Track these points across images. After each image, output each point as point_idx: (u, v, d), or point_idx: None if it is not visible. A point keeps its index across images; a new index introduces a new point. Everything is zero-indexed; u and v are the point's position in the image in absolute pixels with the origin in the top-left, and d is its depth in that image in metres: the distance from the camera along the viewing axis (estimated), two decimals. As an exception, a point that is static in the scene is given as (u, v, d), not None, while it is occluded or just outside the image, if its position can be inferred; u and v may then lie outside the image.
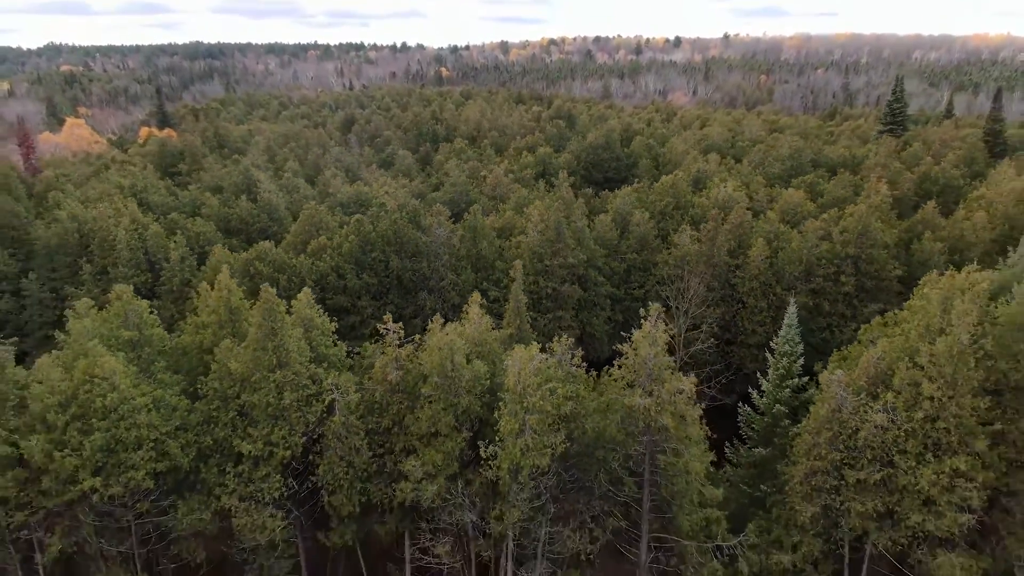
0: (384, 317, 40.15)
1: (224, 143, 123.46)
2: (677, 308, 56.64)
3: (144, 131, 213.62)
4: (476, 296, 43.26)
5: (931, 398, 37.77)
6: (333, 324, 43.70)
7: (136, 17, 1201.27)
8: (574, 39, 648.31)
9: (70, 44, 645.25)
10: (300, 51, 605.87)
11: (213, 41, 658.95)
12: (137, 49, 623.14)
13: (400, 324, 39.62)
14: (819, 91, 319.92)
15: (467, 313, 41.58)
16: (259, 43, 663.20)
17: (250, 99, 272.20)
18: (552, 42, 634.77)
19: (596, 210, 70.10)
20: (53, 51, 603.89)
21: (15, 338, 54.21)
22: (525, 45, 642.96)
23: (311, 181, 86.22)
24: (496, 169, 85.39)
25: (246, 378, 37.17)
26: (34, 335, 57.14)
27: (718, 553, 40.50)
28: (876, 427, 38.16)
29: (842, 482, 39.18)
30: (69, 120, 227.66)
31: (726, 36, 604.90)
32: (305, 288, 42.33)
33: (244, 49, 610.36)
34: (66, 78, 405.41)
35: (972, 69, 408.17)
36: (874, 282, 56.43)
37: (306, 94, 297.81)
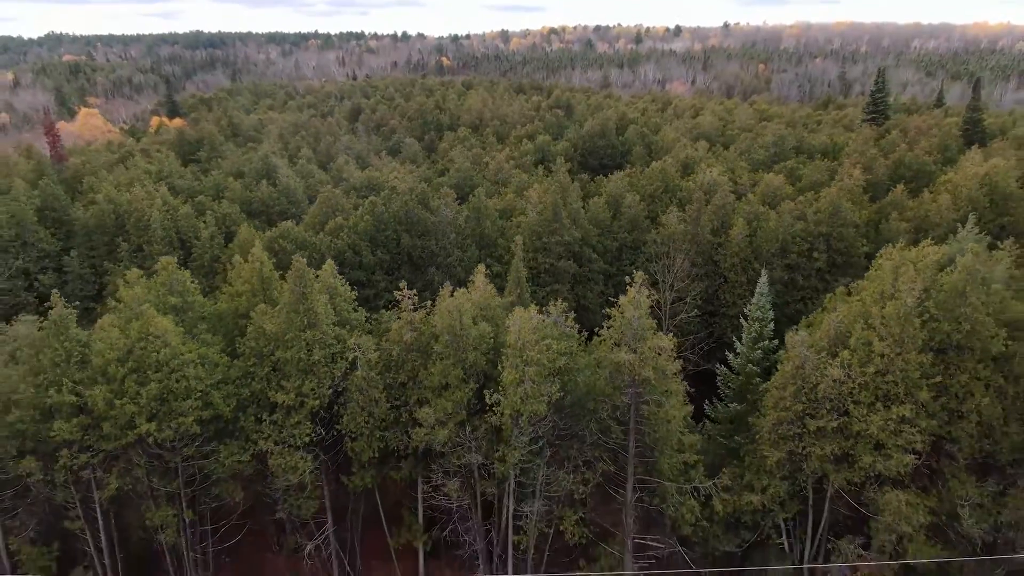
0: (400, 285, 45.07)
1: (237, 132, 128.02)
2: (664, 282, 61.19)
3: (155, 120, 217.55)
4: (481, 267, 48.09)
5: (881, 355, 42.61)
6: (354, 293, 48.61)
7: (136, 6, 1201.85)
8: (575, 28, 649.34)
9: (70, 34, 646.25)
10: (300, 40, 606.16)
11: (213, 30, 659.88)
12: (138, 39, 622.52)
13: (414, 291, 44.54)
14: (816, 80, 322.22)
15: (473, 282, 46.41)
16: (259, 32, 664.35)
17: (256, 89, 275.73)
18: (553, 31, 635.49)
19: (591, 193, 74.47)
20: (54, 40, 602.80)
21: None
22: (526, 34, 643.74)
23: (324, 167, 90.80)
24: (498, 156, 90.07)
25: (279, 337, 41.97)
26: (75, 307, 61.87)
27: (695, 494, 45.26)
28: (833, 381, 42.96)
29: (804, 430, 43.98)
30: (84, 110, 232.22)
31: (726, 25, 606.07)
32: (328, 260, 47.16)
33: (245, 38, 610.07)
34: (71, 68, 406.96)
35: (970, 58, 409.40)
36: (844, 258, 61.03)
37: (311, 84, 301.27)
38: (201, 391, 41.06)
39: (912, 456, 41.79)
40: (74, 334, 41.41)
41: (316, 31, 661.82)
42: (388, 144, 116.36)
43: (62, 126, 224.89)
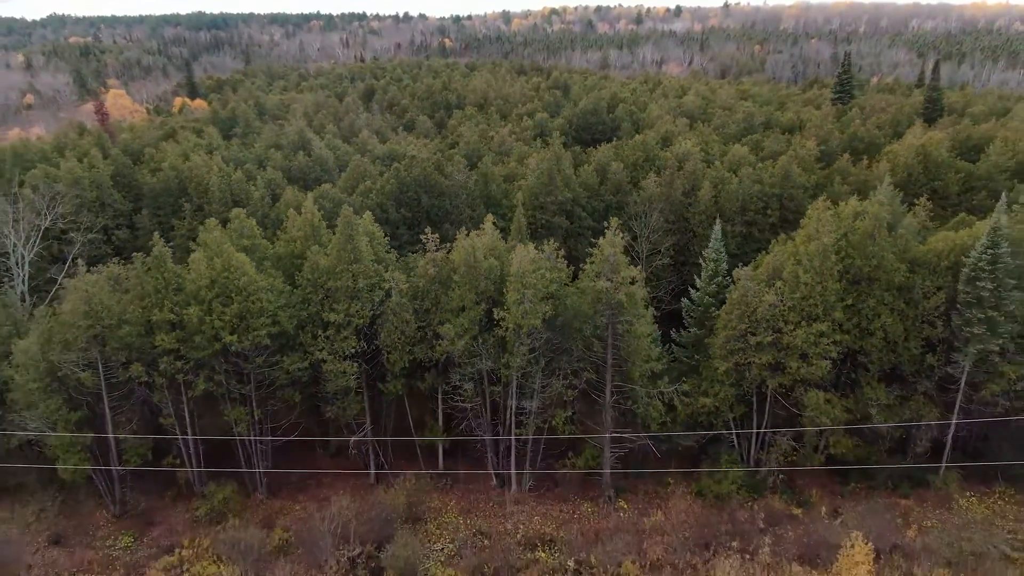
0: (425, 231, 55.32)
1: (263, 111, 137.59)
2: (642, 236, 70.75)
3: (178, 101, 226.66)
4: (489, 217, 58.20)
5: (805, 284, 52.46)
6: (386, 239, 58.84)
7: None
8: (575, 8, 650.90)
9: (73, 15, 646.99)
10: (303, 21, 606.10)
11: (216, 11, 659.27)
12: (141, 20, 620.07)
13: (437, 235, 54.83)
14: (809, 61, 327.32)
15: (483, 229, 56.52)
16: (261, 13, 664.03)
17: (270, 71, 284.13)
18: (554, 12, 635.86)
19: (582, 162, 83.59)
20: (57, 22, 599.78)
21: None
22: (527, 15, 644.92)
23: (347, 141, 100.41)
24: (501, 131, 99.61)
25: (331, 270, 52.02)
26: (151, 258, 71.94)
27: (660, 397, 55.24)
28: (769, 305, 52.77)
29: (747, 345, 53.71)
30: (112, 91, 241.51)
31: (727, 5, 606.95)
32: (367, 212, 57.32)
33: (247, 19, 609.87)
34: (81, 50, 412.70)
35: (966, 38, 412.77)
36: (793, 215, 70.40)
37: (322, 66, 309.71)
38: (271, 312, 51.25)
39: (828, 362, 52.00)
40: (170, 267, 51.70)
41: (318, 12, 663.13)
42: (402, 121, 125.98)
43: (89, 107, 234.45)
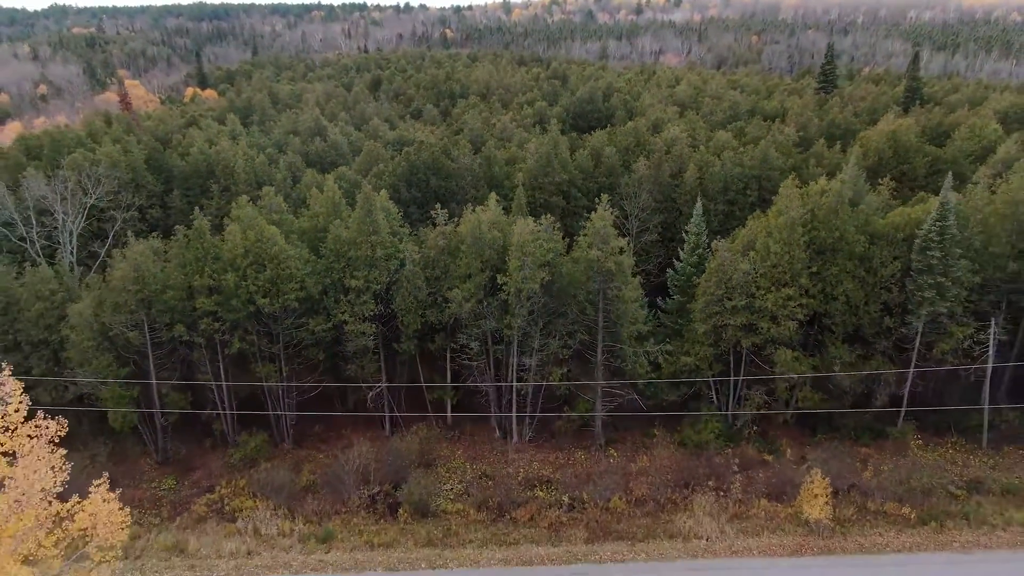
0: (435, 207, 60.91)
1: (276, 100, 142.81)
2: (632, 214, 76.23)
3: (189, 91, 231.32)
4: (493, 195, 63.74)
5: (775, 253, 58.00)
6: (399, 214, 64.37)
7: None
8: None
9: (75, 6, 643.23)
10: (304, 11, 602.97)
11: (217, 1, 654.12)
12: (143, 10, 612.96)
13: (446, 211, 60.40)
14: (805, 52, 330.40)
15: (487, 205, 62.04)
16: (263, 3, 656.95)
17: (277, 62, 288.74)
18: (554, 1, 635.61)
19: (578, 147, 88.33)
20: (59, 12, 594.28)
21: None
22: (527, 4, 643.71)
23: (359, 128, 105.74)
24: (503, 118, 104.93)
25: (352, 241, 57.53)
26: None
27: (646, 356, 61.01)
28: (743, 273, 58.42)
29: (723, 308, 59.05)
30: (128, 82, 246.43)
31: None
32: (383, 190, 62.87)
33: (249, 10, 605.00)
34: (87, 41, 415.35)
35: (963, 28, 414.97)
36: (771, 195, 75.45)
37: (328, 57, 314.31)
38: (299, 278, 56.81)
39: (795, 323, 57.57)
40: (208, 238, 57.32)
41: (319, 2, 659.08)
42: (409, 110, 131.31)
43: (109, 96, 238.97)
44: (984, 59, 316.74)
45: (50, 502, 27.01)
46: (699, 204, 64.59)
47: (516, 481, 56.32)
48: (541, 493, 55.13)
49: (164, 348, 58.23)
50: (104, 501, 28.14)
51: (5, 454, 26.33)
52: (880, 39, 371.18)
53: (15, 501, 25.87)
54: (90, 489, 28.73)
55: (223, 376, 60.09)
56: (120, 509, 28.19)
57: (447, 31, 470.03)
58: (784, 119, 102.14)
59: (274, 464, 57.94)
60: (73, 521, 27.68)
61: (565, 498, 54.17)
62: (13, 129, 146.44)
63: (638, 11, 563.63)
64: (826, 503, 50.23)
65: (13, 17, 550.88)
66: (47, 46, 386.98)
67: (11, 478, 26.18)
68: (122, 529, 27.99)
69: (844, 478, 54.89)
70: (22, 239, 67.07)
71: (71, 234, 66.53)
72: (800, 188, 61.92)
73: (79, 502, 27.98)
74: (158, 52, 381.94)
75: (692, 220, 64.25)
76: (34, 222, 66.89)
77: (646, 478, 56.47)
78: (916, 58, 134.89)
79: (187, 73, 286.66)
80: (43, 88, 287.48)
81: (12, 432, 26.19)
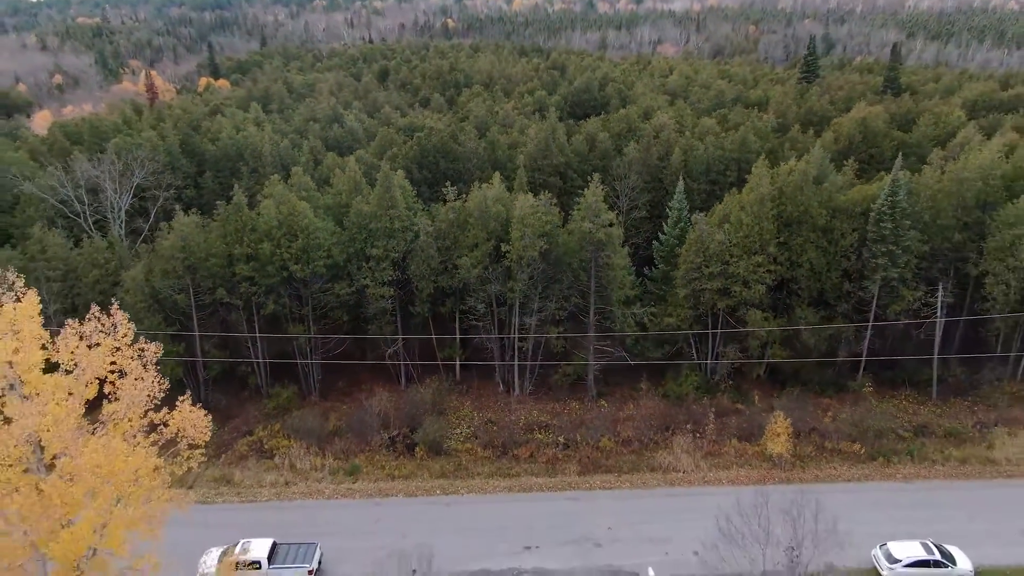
0: (445, 185, 67.59)
1: (291, 89, 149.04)
2: (623, 194, 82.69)
3: (203, 81, 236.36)
4: (497, 175, 70.38)
5: (746, 225, 64.59)
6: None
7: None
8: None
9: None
10: (306, 1, 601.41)
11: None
12: (146, 0, 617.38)
13: (455, 189, 67.09)
14: (801, 41, 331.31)
15: (492, 183, 68.69)
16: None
17: (285, 52, 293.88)
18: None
19: (574, 132, 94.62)
20: (62, 2, 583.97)
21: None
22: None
23: (371, 116, 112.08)
24: (506, 106, 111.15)
25: (372, 214, 64.19)
26: (211, 214, 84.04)
27: (633, 317, 67.77)
28: (718, 243, 65.09)
29: (701, 274, 65.57)
30: (144, 72, 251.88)
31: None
32: (399, 170, 69.56)
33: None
34: (93, 31, 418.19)
35: (959, 17, 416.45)
36: (748, 175, 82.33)
37: (335, 47, 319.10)
38: (326, 247, 63.55)
39: (763, 287, 64.22)
40: (245, 211, 64.04)
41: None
42: (417, 99, 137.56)
43: (126, 85, 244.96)
44: (976, 48, 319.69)
45: (147, 411, 33.79)
46: (680, 183, 71.14)
47: (518, 426, 63.03)
48: (539, 435, 61.85)
49: (206, 310, 64.97)
50: (190, 410, 34.81)
51: (118, 371, 33.07)
52: (875, 28, 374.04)
53: (125, 407, 32.71)
54: (177, 402, 35.41)
55: (258, 334, 66.91)
56: (205, 415, 34.84)
57: (449, 21, 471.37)
58: (766, 107, 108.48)
59: (304, 412, 64.82)
60: (167, 426, 34.40)
61: (560, 439, 60.91)
62: (43, 118, 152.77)
63: (638, 0, 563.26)
64: (787, 440, 57.03)
65: (16, 7, 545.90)
66: (54, 36, 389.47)
67: (120, 389, 32.96)
68: (205, 431, 34.61)
69: (806, 422, 61.60)
70: (76, 215, 73.83)
71: (120, 210, 73.23)
72: (771, 169, 68.55)
73: (169, 412, 34.71)
74: (164, 42, 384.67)
75: (674, 197, 70.77)
76: (85, 200, 73.62)
77: (632, 423, 63.17)
78: (895, 49, 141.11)
79: (199, 63, 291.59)
80: (58, 78, 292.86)
81: (121, 352, 32.92)
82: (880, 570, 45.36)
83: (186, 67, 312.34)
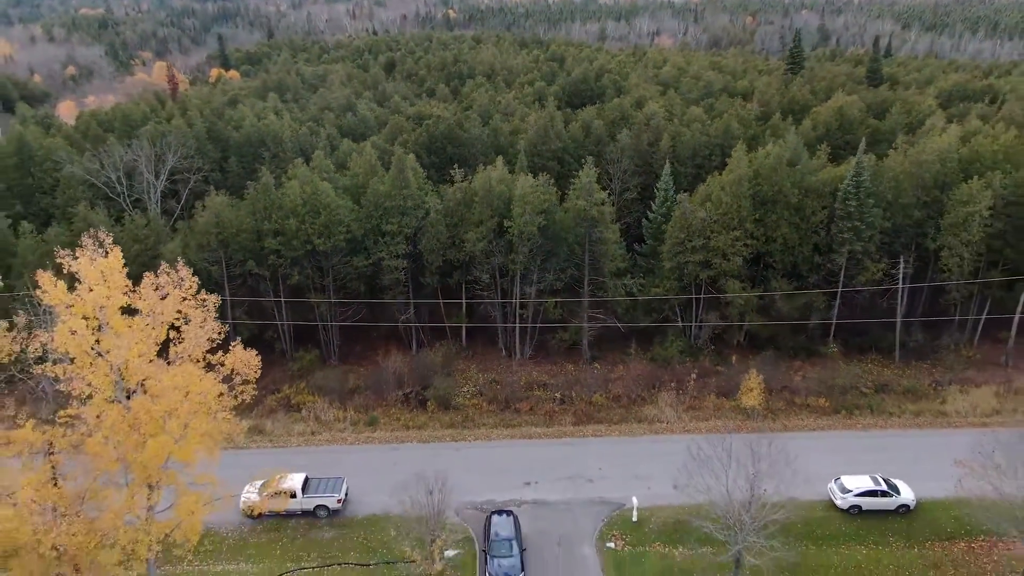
0: (452, 168, 73.40)
1: (304, 80, 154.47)
2: (615, 177, 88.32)
3: (214, 72, 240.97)
4: (500, 159, 76.17)
5: (726, 203, 70.27)
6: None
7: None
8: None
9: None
10: None
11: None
12: None
13: (462, 171, 72.91)
14: (796, 32, 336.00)
15: (495, 166, 74.51)
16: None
17: (292, 44, 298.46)
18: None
19: (571, 120, 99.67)
20: None
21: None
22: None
23: (381, 105, 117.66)
24: (507, 96, 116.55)
25: (387, 193, 69.88)
26: (239, 195, 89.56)
27: (624, 288, 73.69)
28: (700, 219, 70.94)
29: (685, 248, 71.64)
30: (159, 63, 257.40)
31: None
32: (411, 154, 75.39)
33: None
34: (100, 23, 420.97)
35: (956, 8, 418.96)
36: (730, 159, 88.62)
37: (341, 39, 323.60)
38: (346, 223, 69.37)
39: (740, 259, 70.05)
40: (273, 191, 69.90)
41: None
42: (423, 89, 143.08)
43: (141, 77, 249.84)
44: (969, 39, 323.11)
45: (206, 353, 39.64)
46: (667, 166, 76.78)
47: (519, 384, 68.90)
48: (538, 392, 67.74)
49: (237, 281, 70.74)
50: (242, 352, 40.67)
51: (184, 318, 38.93)
52: (871, 19, 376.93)
53: (191, 347, 38.61)
54: (231, 345, 41.25)
55: (283, 303, 72.87)
56: (256, 355, 40.71)
57: (450, 12, 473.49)
58: (751, 96, 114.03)
59: (326, 372, 70.79)
60: (223, 366, 40.26)
61: (557, 395, 66.84)
62: (68, 107, 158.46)
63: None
64: (760, 395, 62.95)
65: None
66: (60, 28, 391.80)
67: (186, 332, 38.83)
68: (256, 369, 40.40)
69: (778, 380, 67.48)
70: (116, 195, 79.71)
71: (156, 191, 79.10)
72: (750, 153, 74.32)
73: (225, 354, 40.59)
74: (168, 33, 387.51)
75: (662, 179, 76.53)
76: (123, 181, 79.47)
77: (622, 382, 69.08)
78: (877, 41, 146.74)
79: (209, 54, 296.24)
80: (72, 69, 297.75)
81: (187, 302, 38.81)
82: (835, 499, 51.29)
83: (195, 58, 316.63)
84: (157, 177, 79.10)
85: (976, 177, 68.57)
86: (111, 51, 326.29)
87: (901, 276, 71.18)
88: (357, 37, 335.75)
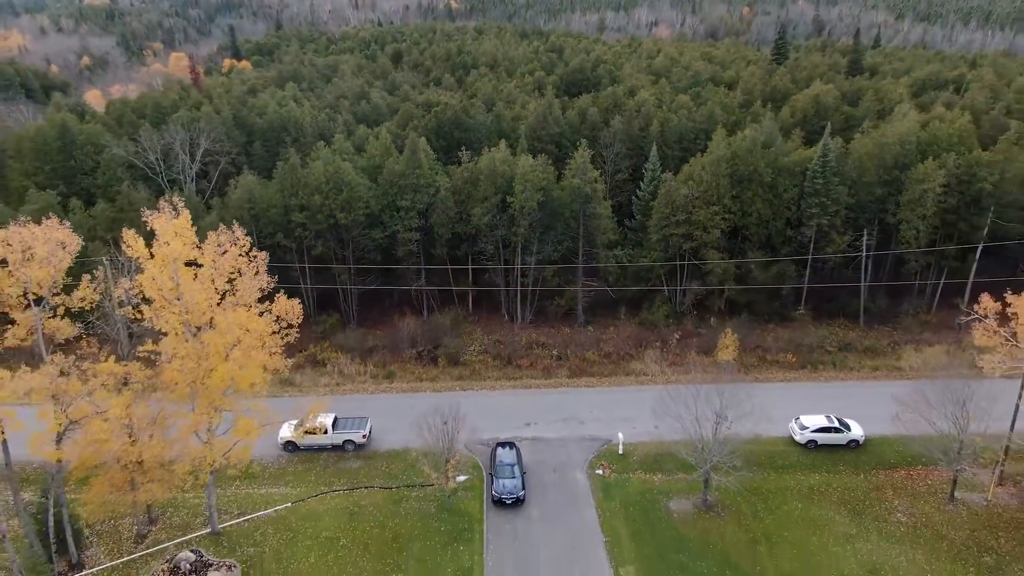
0: (460, 151, 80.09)
1: (317, 70, 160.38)
2: (608, 159, 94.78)
3: (227, 62, 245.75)
4: (503, 142, 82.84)
5: (706, 181, 76.84)
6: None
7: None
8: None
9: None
10: None
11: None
12: None
13: (469, 152, 79.63)
14: (792, 23, 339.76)
15: (499, 148, 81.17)
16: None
17: (300, 35, 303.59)
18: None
19: (568, 107, 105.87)
20: None
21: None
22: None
23: (391, 93, 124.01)
24: (509, 85, 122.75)
25: (402, 172, 76.41)
26: (268, 175, 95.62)
27: (615, 259, 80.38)
28: (683, 196, 77.57)
29: (670, 221, 78.26)
30: (175, 53, 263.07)
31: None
32: (422, 137, 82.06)
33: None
34: (106, 13, 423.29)
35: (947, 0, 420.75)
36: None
37: (347, 31, 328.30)
38: (365, 199, 76.03)
39: (719, 231, 76.84)
40: (300, 171, 76.59)
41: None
42: (429, 78, 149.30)
43: (158, 67, 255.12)
44: (961, 30, 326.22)
45: (252, 303, 46.36)
46: (654, 149, 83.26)
47: (520, 344, 75.63)
48: (537, 351, 74.39)
49: (266, 252, 77.45)
50: (286, 301, 47.41)
51: (238, 271, 45.66)
52: (866, 10, 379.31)
53: (246, 295, 45.39)
54: (276, 297, 47.98)
55: (308, 271, 79.66)
56: (299, 303, 47.51)
57: (452, 2, 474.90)
58: (736, 85, 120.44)
59: (347, 333, 77.60)
60: (270, 312, 47.01)
61: (554, 353, 73.55)
62: (95, 96, 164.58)
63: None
64: (735, 351, 69.78)
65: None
66: (67, 18, 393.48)
67: (240, 283, 45.58)
68: (299, 315, 47.18)
69: (752, 341, 74.20)
70: (155, 174, 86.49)
71: (192, 171, 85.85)
72: (729, 136, 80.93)
73: (271, 303, 47.35)
74: (174, 24, 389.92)
75: (649, 161, 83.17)
76: (161, 163, 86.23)
77: (612, 341, 75.83)
78: (858, 34, 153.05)
79: (220, 45, 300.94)
80: (87, 60, 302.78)
81: (242, 258, 45.58)
82: (794, 436, 58.03)
83: (203, 49, 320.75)
84: (192, 159, 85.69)
85: (931, 158, 75.01)
86: (122, 42, 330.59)
87: (864, 247, 77.80)
88: (362, 28, 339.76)
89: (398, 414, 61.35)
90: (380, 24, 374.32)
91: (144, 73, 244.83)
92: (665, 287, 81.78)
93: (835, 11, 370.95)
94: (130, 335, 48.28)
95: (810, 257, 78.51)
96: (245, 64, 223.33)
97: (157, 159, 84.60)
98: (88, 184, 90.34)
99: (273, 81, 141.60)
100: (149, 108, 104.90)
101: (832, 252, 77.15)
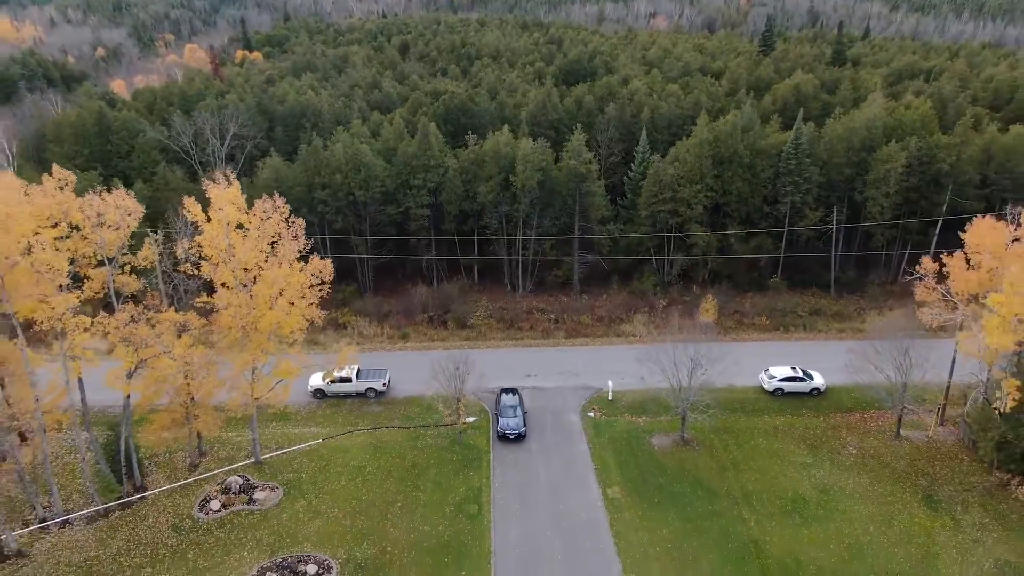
0: (466, 135, 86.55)
1: (329, 61, 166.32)
2: (603, 143, 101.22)
3: (239, 53, 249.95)
4: (506, 127, 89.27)
5: (690, 162, 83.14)
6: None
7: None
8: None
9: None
10: None
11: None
12: None
13: (475, 136, 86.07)
14: (787, 14, 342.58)
15: (502, 133, 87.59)
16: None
17: (307, 26, 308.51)
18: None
19: (566, 96, 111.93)
20: None
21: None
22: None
23: (401, 83, 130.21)
24: (511, 75, 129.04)
25: (414, 154, 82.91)
26: (291, 157, 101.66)
27: (608, 233, 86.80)
28: (670, 175, 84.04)
29: (657, 199, 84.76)
30: (188, 46, 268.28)
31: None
32: (432, 123, 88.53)
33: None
34: (114, 5, 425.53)
35: None
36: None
37: (353, 23, 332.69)
38: (381, 178, 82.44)
39: (702, 207, 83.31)
40: (322, 152, 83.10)
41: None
42: (436, 69, 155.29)
43: (173, 59, 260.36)
44: (953, 21, 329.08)
45: (292, 261, 52.93)
46: (644, 134, 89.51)
47: (521, 310, 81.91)
48: (537, 315, 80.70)
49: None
50: (318, 260, 54.00)
51: (278, 235, 52.20)
52: (860, 1, 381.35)
53: (286, 256, 51.98)
54: (310, 258, 54.53)
55: (329, 244, 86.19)
56: (331, 261, 54.08)
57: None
58: (724, 74, 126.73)
59: (364, 301, 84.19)
60: (304, 270, 53.57)
61: (552, 317, 79.91)
62: (120, 85, 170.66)
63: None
64: (714, 314, 76.39)
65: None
66: (75, 9, 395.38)
67: (281, 245, 52.14)
68: (330, 273, 53.68)
69: (731, 307, 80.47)
70: (187, 156, 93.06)
71: (222, 153, 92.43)
72: (711, 121, 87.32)
73: (305, 263, 53.91)
74: (180, 15, 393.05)
75: (640, 144, 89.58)
76: (193, 147, 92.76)
77: (605, 307, 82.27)
78: (841, 26, 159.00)
79: (231, 36, 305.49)
80: (101, 51, 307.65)
81: (282, 224, 52.16)
82: (763, 385, 64.45)
83: (211, 40, 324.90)
84: (222, 143, 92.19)
85: (895, 141, 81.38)
86: (134, 33, 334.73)
87: (835, 222, 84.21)
88: (368, 20, 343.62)
89: (413, 368, 67.37)
90: (384, 16, 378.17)
91: (159, 64, 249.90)
92: (653, 259, 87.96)
93: (830, 2, 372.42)
94: (185, 290, 54.84)
95: (785, 231, 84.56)
96: (257, 55, 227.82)
97: (190, 143, 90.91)
98: (124, 167, 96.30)
99: (289, 71, 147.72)
100: (176, 96, 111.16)
101: (805, 226, 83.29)
